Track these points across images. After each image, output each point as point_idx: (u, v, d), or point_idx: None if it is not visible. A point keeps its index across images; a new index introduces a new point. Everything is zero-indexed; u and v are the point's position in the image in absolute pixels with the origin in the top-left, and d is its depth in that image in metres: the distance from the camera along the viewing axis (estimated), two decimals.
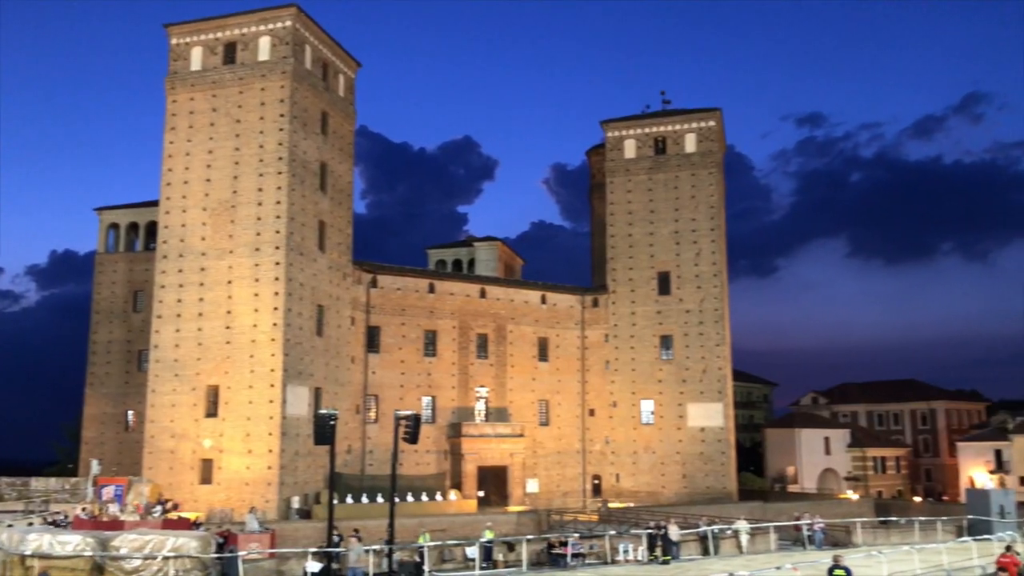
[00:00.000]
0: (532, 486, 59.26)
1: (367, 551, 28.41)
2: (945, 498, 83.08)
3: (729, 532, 37.45)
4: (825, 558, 22.34)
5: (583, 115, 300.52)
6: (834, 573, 19.47)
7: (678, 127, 64.70)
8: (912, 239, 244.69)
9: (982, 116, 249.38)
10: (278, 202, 46.90)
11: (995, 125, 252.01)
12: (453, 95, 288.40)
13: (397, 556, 28.90)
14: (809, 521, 39.74)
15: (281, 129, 47.64)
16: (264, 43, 49.02)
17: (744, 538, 36.93)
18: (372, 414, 54.81)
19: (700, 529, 36.74)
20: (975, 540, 32.23)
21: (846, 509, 57.56)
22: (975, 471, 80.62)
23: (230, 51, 49.66)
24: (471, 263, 74.77)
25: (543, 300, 63.49)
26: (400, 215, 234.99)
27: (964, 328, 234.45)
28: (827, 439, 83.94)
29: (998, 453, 79.76)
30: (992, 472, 78.87)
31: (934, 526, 40.65)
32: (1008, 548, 22.35)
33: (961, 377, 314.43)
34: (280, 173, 47.17)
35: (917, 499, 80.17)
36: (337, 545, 29.16)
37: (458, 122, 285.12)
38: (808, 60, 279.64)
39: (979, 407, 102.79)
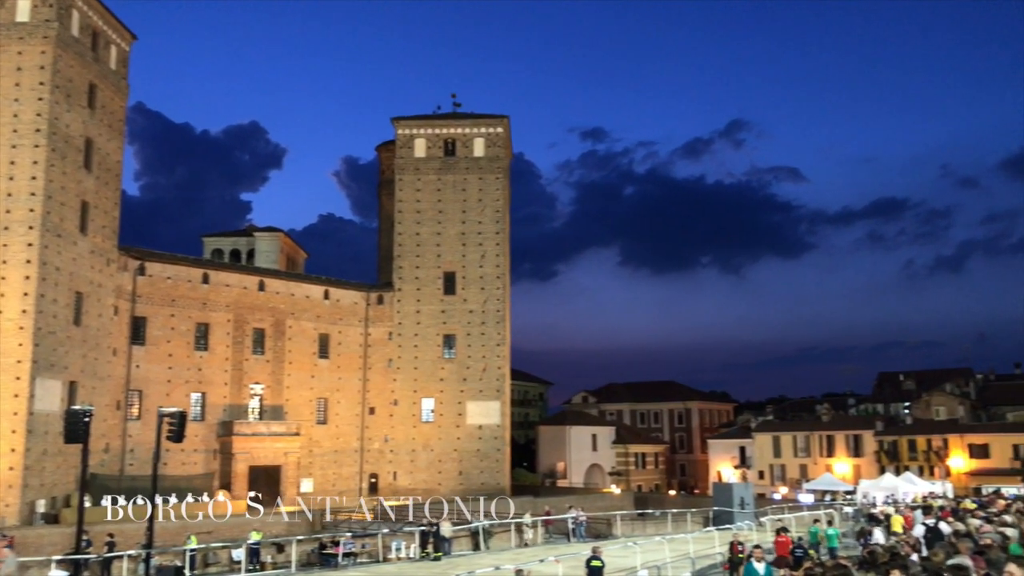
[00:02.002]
0: (307, 486, 58.02)
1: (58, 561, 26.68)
2: (696, 491, 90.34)
3: (501, 527, 38.66)
4: (586, 550, 23.60)
5: (377, 109, 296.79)
6: (591, 564, 20.50)
7: (467, 130, 65.88)
8: (676, 251, 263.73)
9: (743, 142, 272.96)
10: (33, 178, 42.83)
11: (753, 151, 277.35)
12: (241, 78, 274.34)
13: (156, 561, 27.35)
14: (574, 515, 41.88)
15: (40, 99, 43.56)
16: (23, 3, 44.60)
17: (529, 533, 38.19)
18: (135, 410, 51.34)
19: (472, 525, 37.63)
20: (718, 529, 35.36)
21: (609, 503, 61.23)
22: (722, 466, 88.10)
23: None
24: (251, 254, 71.88)
25: (326, 295, 62.29)
26: (177, 199, 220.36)
27: (717, 335, 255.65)
28: (595, 436, 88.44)
29: (742, 450, 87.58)
30: (737, 467, 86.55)
31: (685, 517, 44.10)
32: (781, 531, 24.45)
33: (713, 380, 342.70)
34: (37, 146, 43.09)
35: (672, 493, 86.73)
36: (86, 551, 27.16)
37: (245, 106, 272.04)
38: (596, 77, 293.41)
39: (728, 408, 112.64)
